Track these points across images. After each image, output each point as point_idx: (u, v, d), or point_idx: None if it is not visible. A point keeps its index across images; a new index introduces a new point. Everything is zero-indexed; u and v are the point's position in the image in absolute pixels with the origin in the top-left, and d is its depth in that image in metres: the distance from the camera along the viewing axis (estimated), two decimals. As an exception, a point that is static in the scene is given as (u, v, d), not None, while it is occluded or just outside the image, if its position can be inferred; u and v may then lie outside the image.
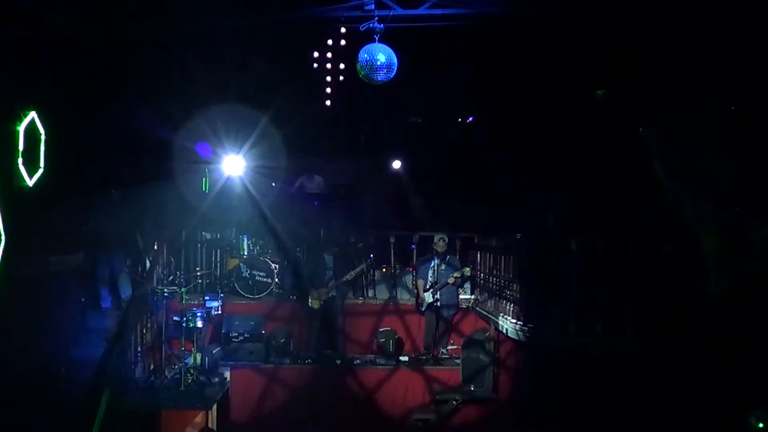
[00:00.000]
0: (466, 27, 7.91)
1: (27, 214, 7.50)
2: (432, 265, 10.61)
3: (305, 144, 13.25)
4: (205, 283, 11.59)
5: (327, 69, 10.63)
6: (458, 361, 10.15)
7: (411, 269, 11.50)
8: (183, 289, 9.57)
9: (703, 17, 7.07)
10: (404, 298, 11.32)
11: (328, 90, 10.98)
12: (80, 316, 9.25)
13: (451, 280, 10.45)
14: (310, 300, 10.51)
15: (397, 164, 13.70)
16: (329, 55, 10.41)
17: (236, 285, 11.22)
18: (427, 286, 10.59)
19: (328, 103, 11.17)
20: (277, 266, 11.47)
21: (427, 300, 10.55)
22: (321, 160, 13.82)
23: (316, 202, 13.15)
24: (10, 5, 6.98)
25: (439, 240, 10.70)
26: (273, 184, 14.60)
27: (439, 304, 10.42)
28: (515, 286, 9.10)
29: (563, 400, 8.32)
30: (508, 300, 9.40)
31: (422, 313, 10.76)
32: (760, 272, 7.31)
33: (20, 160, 7.33)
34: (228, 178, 12.08)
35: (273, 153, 12.12)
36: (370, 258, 11.34)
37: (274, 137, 11.43)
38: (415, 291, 10.99)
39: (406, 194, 13.33)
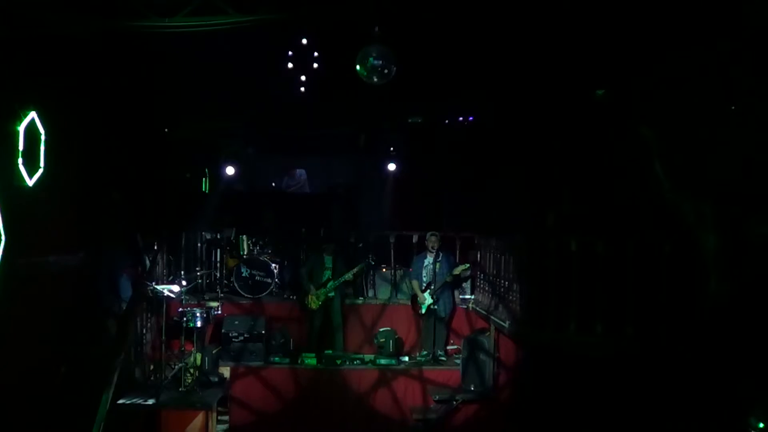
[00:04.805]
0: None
1: (27, 214, 7.49)
2: (425, 263, 10.53)
3: (306, 144, 13.26)
4: (205, 283, 11.60)
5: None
6: (458, 361, 10.16)
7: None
8: (183, 289, 9.57)
9: (704, 16, 7.07)
10: (404, 298, 11.30)
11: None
12: (80, 316, 9.25)
13: (450, 279, 10.32)
14: (309, 300, 10.49)
15: (392, 167, 13.72)
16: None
17: (236, 285, 11.21)
18: (423, 287, 10.47)
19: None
20: (277, 266, 11.47)
21: (426, 301, 10.38)
22: (321, 159, 13.83)
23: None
24: (10, 5, 6.99)
25: (431, 236, 10.53)
26: (273, 184, 14.67)
27: (435, 306, 10.28)
28: (515, 285, 9.09)
29: (563, 400, 8.31)
30: (507, 300, 9.39)
31: (420, 315, 10.59)
32: (760, 272, 7.29)
33: (20, 160, 7.34)
34: (228, 179, 12.09)
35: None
36: (371, 258, 11.34)
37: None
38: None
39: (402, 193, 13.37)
